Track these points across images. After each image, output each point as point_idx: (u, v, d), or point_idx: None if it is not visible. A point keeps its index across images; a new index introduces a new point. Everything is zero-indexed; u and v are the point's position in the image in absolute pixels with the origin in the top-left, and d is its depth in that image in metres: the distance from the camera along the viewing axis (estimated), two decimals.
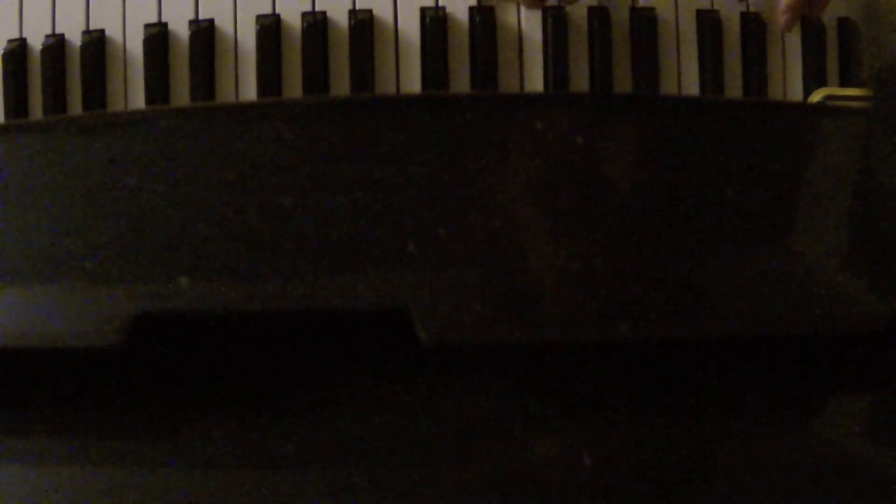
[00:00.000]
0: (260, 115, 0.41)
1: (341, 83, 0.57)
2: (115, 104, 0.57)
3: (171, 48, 0.57)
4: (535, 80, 0.57)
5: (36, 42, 0.57)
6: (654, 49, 0.57)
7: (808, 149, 0.42)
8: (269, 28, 0.56)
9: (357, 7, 0.57)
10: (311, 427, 0.40)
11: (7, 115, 0.56)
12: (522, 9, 0.57)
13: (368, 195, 0.39)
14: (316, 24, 0.56)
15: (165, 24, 0.57)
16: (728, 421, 0.41)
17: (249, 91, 0.57)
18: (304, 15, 0.57)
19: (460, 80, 0.57)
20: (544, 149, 0.40)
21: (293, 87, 0.56)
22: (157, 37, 0.56)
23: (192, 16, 0.57)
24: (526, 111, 0.41)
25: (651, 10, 0.57)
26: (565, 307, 0.39)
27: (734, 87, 0.58)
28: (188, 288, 0.39)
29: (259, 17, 0.57)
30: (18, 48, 0.57)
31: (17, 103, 0.57)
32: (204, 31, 0.57)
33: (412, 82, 0.57)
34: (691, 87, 0.58)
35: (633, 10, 0.57)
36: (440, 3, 0.57)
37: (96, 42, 0.57)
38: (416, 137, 0.40)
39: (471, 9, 0.57)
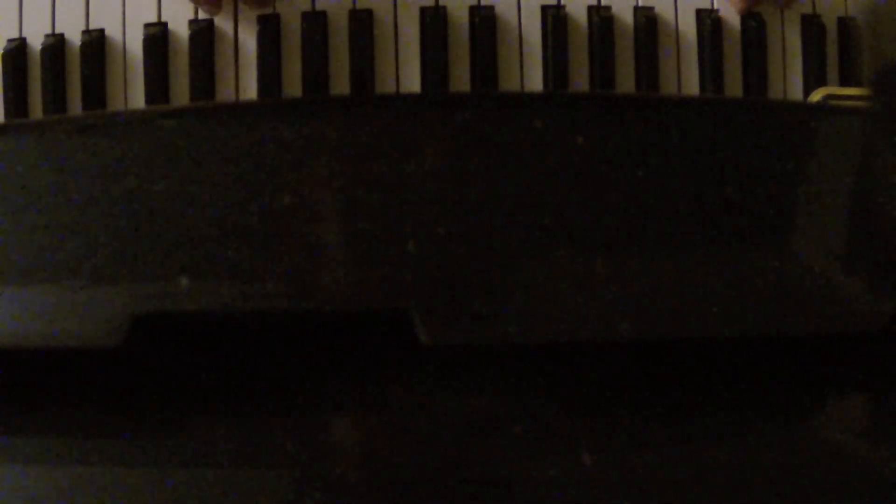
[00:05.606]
0: (260, 114, 0.41)
1: (341, 83, 0.57)
2: (115, 104, 0.57)
3: (171, 48, 0.57)
4: (535, 80, 0.57)
5: (36, 42, 0.57)
6: (655, 48, 0.57)
7: (807, 148, 0.42)
8: (269, 28, 0.56)
9: (357, 7, 0.57)
10: (310, 427, 0.41)
11: (7, 114, 0.56)
12: (522, 8, 0.57)
13: (368, 195, 0.39)
14: (316, 24, 0.56)
15: (165, 24, 0.57)
16: (727, 420, 0.41)
17: (249, 91, 0.57)
18: (304, 15, 0.57)
19: (460, 80, 0.57)
20: (544, 148, 0.40)
21: (293, 86, 0.57)
22: (157, 36, 0.56)
23: (191, 15, 0.57)
24: (526, 111, 0.41)
25: (651, 9, 0.57)
26: (566, 307, 0.39)
27: (734, 87, 0.58)
28: (188, 288, 0.39)
29: (259, 17, 0.57)
30: (18, 48, 0.57)
31: (17, 103, 0.57)
32: (204, 31, 0.57)
33: (412, 82, 0.57)
34: (691, 87, 0.58)
35: (633, 9, 0.57)
36: (440, 3, 0.57)
37: (96, 42, 0.57)
38: (415, 137, 0.40)
39: (471, 8, 0.57)
